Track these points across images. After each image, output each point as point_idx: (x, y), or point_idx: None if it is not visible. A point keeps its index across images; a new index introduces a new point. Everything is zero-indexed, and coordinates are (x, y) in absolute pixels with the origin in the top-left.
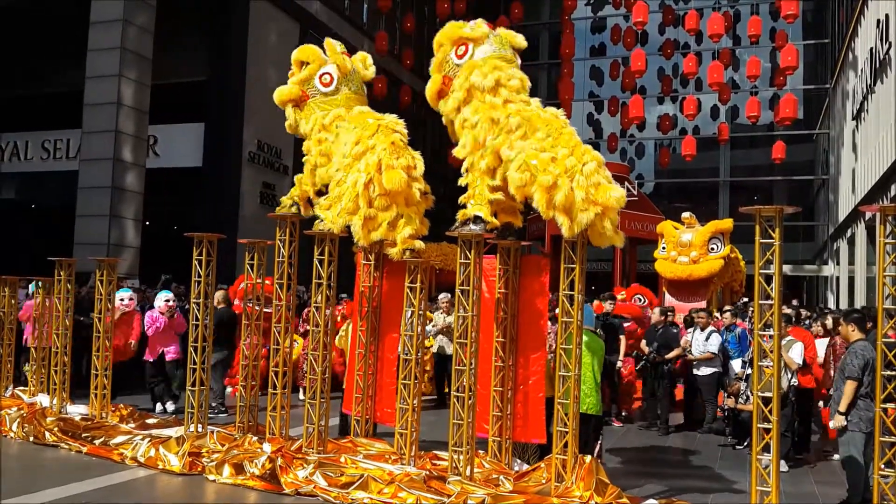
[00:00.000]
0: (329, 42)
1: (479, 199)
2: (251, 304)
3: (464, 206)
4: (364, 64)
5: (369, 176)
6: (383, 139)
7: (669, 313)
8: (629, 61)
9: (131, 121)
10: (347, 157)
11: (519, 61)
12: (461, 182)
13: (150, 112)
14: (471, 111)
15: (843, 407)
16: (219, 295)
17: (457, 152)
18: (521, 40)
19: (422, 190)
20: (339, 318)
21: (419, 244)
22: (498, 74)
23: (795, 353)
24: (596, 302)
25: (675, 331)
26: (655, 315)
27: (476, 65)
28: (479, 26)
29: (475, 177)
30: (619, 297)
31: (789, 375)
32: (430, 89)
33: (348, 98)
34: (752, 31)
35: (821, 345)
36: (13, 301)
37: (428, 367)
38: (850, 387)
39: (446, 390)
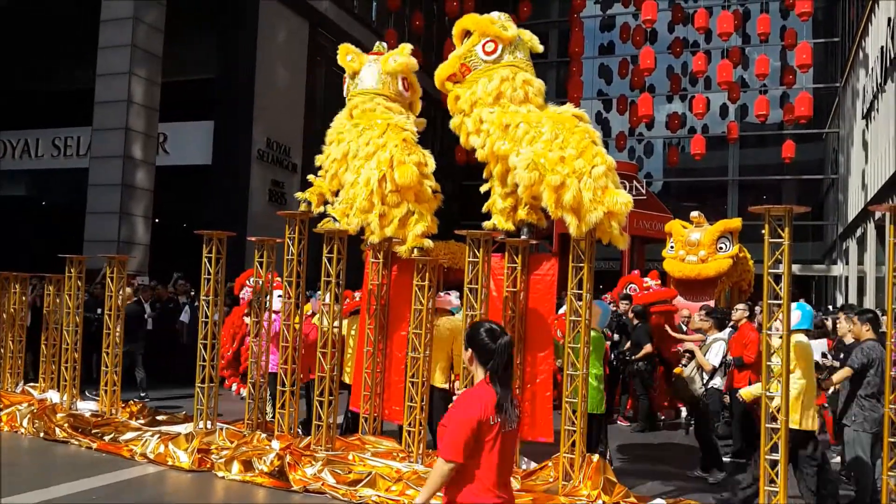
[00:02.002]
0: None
1: (494, 209)
2: (258, 303)
3: (486, 214)
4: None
5: (382, 172)
6: (394, 136)
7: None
8: (638, 60)
9: (141, 118)
10: (359, 159)
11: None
12: (482, 189)
13: (159, 110)
14: (489, 115)
15: (827, 385)
16: (127, 291)
17: (474, 145)
18: (537, 44)
19: (433, 188)
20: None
21: (428, 243)
22: (527, 88)
23: (712, 355)
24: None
25: (644, 329)
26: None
27: (506, 76)
28: (509, 27)
29: (492, 184)
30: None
31: (705, 378)
32: (443, 71)
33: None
34: (761, 30)
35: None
36: (23, 298)
37: None
38: (844, 371)
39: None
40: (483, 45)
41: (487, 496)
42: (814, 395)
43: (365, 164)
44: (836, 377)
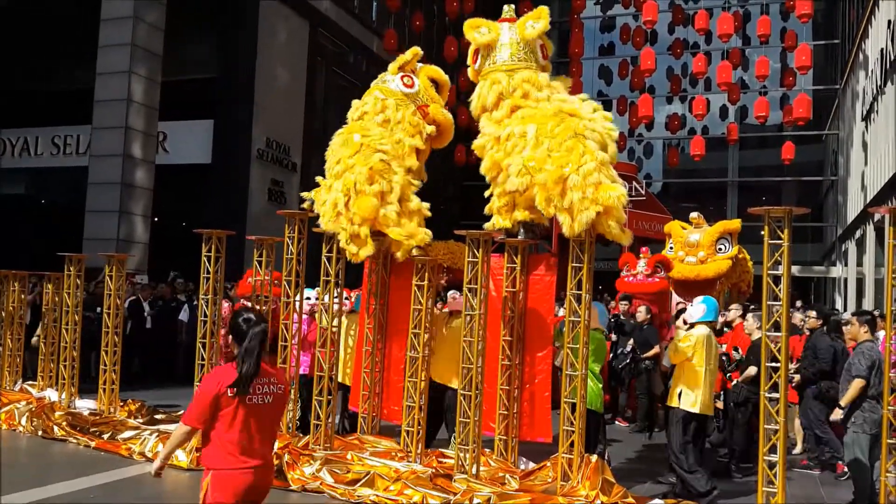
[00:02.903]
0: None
1: (493, 210)
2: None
3: (487, 215)
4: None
5: (347, 197)
6: (362, 162)
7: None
8: (638, 60)
9: (141, 117)
10: (330, 176)
11: (540, 53)
12: (486, 194)
13: (159, 109)
14: (483, 124)
15: (844, 402)
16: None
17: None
18: (528, 30)
19: (399, 211)
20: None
21: (425, 237)
22: (498, 89)
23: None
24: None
25: (652, 329)
26: (641, 314)
27: (480, 92)
28: (477, 26)
29: (493, 188)
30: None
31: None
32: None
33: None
34: (761, 31)
35: None
36: (23, 296)
37: None
38: (857, 384)
39: None
40: (472, 57)
41: (226, 460)
42: (712, 382)
43: (333, 182)
44: (850, 391)
